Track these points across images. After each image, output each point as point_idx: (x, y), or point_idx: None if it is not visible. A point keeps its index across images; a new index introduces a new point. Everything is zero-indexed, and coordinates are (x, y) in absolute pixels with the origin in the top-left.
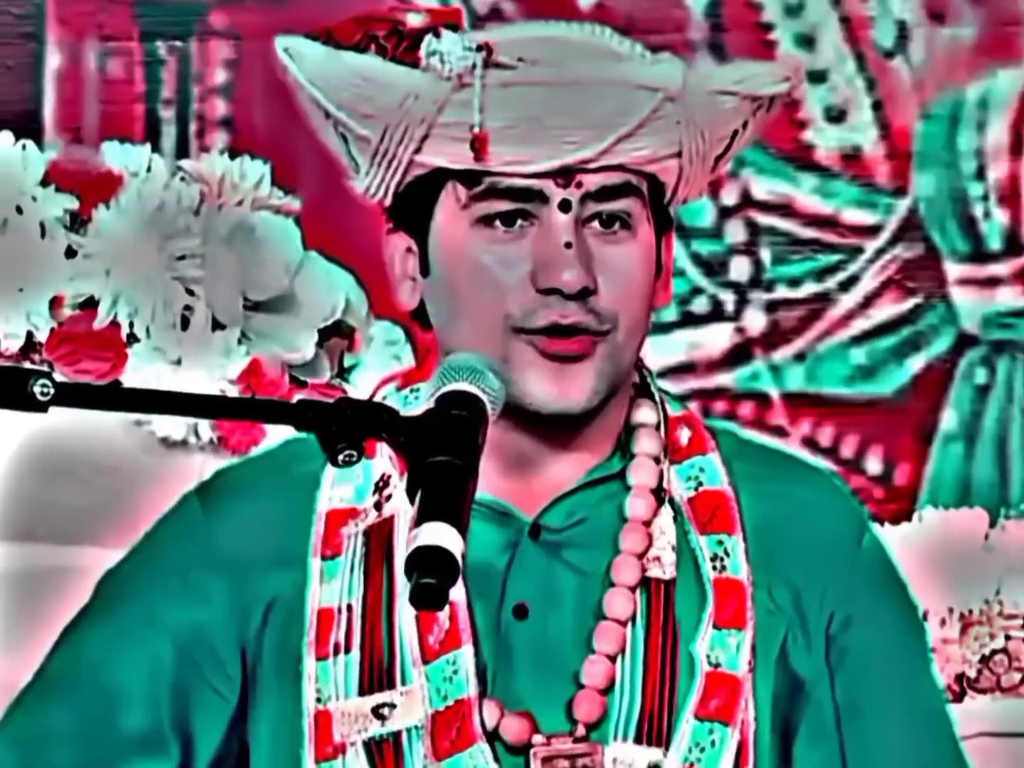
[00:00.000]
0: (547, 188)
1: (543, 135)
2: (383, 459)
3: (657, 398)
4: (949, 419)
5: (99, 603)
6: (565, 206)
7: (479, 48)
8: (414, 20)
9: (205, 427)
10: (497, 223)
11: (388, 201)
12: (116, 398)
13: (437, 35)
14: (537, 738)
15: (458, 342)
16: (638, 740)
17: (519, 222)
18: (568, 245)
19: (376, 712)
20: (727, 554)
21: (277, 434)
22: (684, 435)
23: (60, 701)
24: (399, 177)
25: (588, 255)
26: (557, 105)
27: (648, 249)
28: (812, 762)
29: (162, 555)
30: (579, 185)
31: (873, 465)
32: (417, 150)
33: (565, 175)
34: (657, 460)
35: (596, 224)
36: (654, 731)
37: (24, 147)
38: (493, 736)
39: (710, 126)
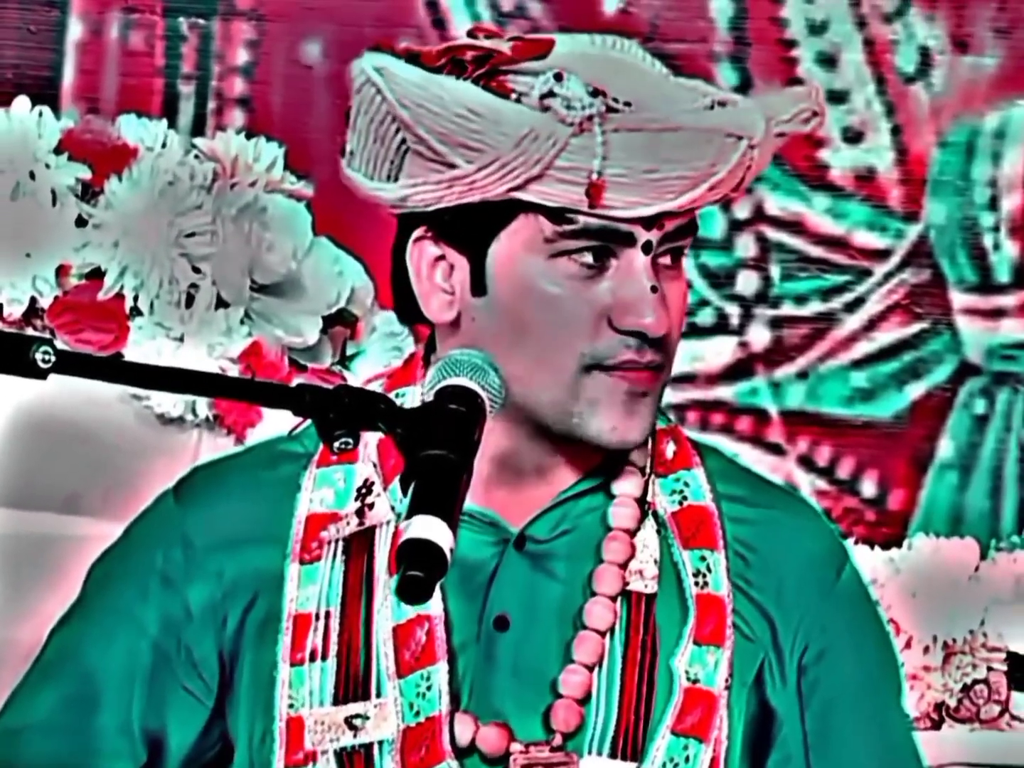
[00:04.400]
0: (636, 231)
1: (650, 182)
2: (366, 465)
3: None
4: (946, 447)
5: (85, 598)
6: (648, 247)
7: (596, 93)
8: (502, 47)
9: (203, 405)
10: (580, 258)
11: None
12: (116, 370)
13: (559, 78)
14: (515, 746)
15: (522, 370)
16: (612, 754)
17: (601, 259)
18: (654, 289)
19: (349, 722)
20: (709, 570)
21: (274, 417)
22: (670, 449)
23: (45, 693)
24: (465, 200)
25: (664, 296)
26: (663, 153)
27: (685, 274)
28: None
29: (140, 554)
30: (661, 227)
31: (868, 488)
32: (518, 187)
33: (652, 217)
34: (643, 471)
35: (666, 260)
36: (628, 745)
37: (40, 114)
38: (469, 750)
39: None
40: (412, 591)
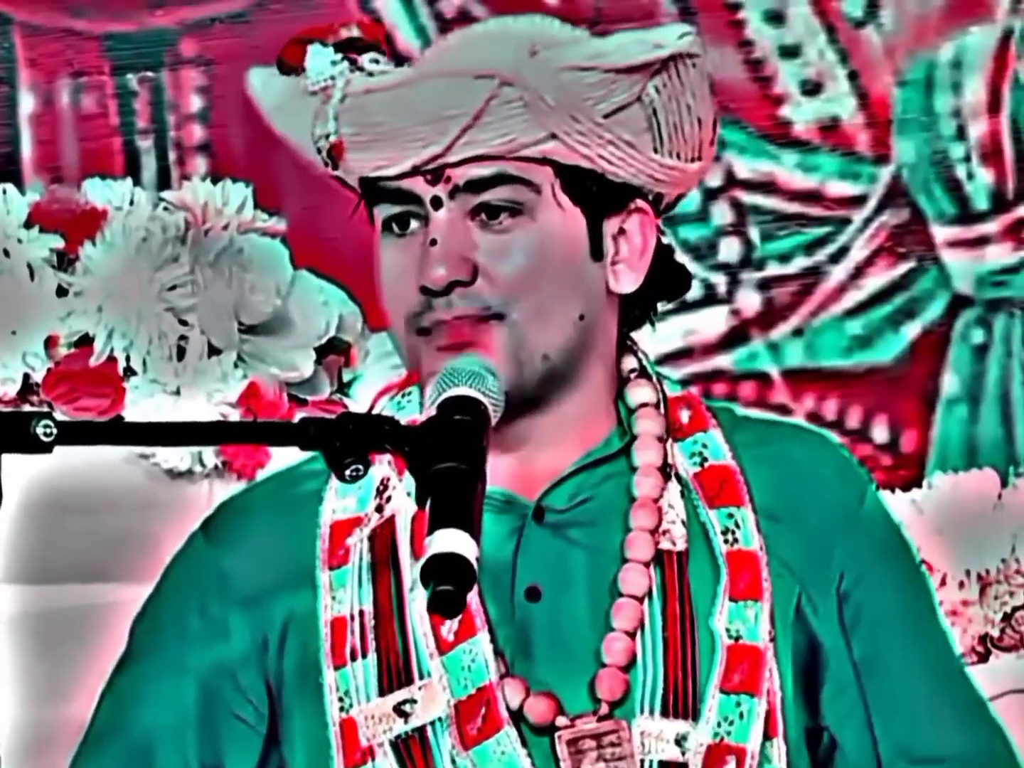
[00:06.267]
0: (417, 187)
1: (394, 137)
2: (382, 466)
3: (655, 380)
4: (950, 382)
5: (128, 652)
6: (436, 203)
7: (344, 59)
8: (344, 34)
9: (209, 454)
10: (393, 226)
11: None
12: (118, 433)
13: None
14: (561, 720)
15: (395, 345)
16: (664, 713)
17: (412, 225)
18: (433, 242)
19: (398, 710)
20: (738, 526)
21: (282, 455)
22: (684, 414)
23: (104, 753)
24: (358, 191)
25: (464, 247)
26: (405, 106)
27: (556, 233)
28: (838, 711)
29: (178, 598)
30: (447, 180)
31: (879, 433)
32: (324, 164)
33: (433, 173)
34: (660, 439)
35: (483, 215)
36: (680, 704)
37: (4, 191)
38: (517, 717)
39: (578, 104)
40: (444, 605)
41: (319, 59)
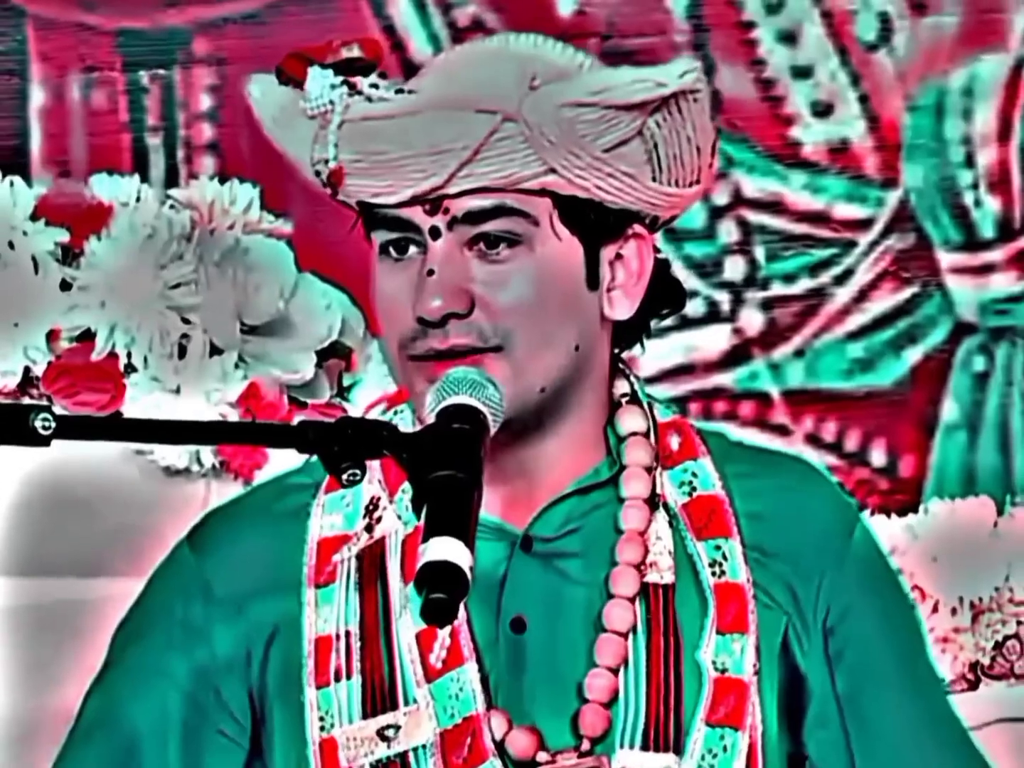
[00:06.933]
0: (416, 217)
1: (394, 167)
2: (372, 484)
3: (646, 405)
4: (950, 409)
5: (114, 658)
6: (434, 233)
7: (343, 83)
8: (346, 53)
9: (207, 453)
10: (390, 251)
11: None
12: (117, 429)
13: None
14: (542, 755)
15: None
16: (645, 748)
17: (410, 250)
18: (430, 273)
19: (381, 734)
20: (725, 558)
21: (280, 457)
22: (674, 441)
23: (87, 757)
24: (357, 212)
25: (461, 278)
26: (405, 136)
27: (554, 264)
28: (820, 743)
29: (162, 607)
30: (446, 211)
31: (877, 457)
32: (323, 187)
33: (432, 203)
34: (649, 469)
35: (481, 246)
36: (661, 738)
37: (12, 183)
38: (499, 750)
39: (578, 140)
40: (437, 613)
41: (318, 83)
